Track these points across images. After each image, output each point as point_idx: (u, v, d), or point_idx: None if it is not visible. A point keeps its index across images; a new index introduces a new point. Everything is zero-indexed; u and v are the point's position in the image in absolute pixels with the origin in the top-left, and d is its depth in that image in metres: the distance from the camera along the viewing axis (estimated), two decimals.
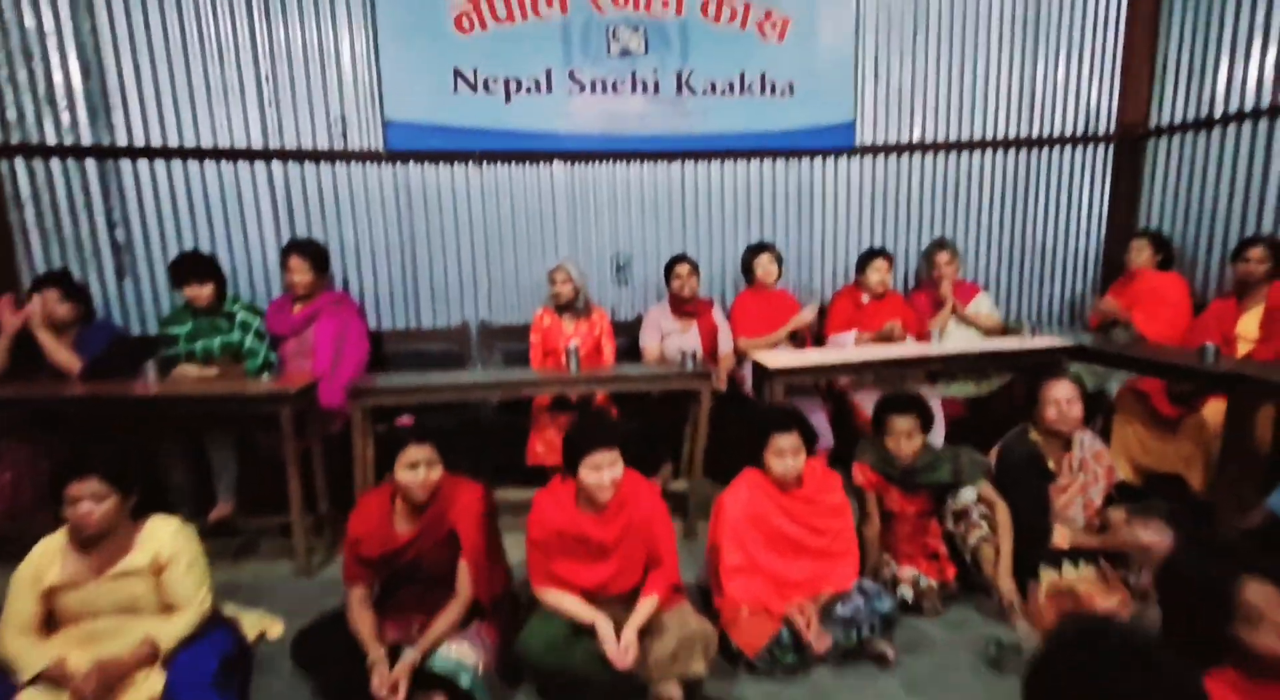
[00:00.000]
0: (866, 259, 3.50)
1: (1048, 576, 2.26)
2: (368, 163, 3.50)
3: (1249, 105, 3.31)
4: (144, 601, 1.89)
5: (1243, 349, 2.99)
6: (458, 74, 3.44)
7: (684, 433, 3.22)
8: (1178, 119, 3.67)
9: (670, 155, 3.68)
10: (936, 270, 3.57)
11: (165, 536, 1.92)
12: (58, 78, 3.24)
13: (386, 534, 2.05)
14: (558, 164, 3.63)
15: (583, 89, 3.53)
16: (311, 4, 3.35)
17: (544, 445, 3.21)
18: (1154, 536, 2.24)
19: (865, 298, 3.50)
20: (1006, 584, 2.25)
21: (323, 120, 3.44)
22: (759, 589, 2.16)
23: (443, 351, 3.64)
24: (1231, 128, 3.40)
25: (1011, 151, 3.89)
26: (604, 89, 3.54)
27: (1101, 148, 3.94)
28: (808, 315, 3.39)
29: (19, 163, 3.25)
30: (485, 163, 3.57)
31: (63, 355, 2.84)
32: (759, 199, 3.80)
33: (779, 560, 2.21)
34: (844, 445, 3.03)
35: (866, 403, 3.21)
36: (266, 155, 3.43)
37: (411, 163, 3.52)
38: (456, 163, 3.55)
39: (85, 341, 2.93)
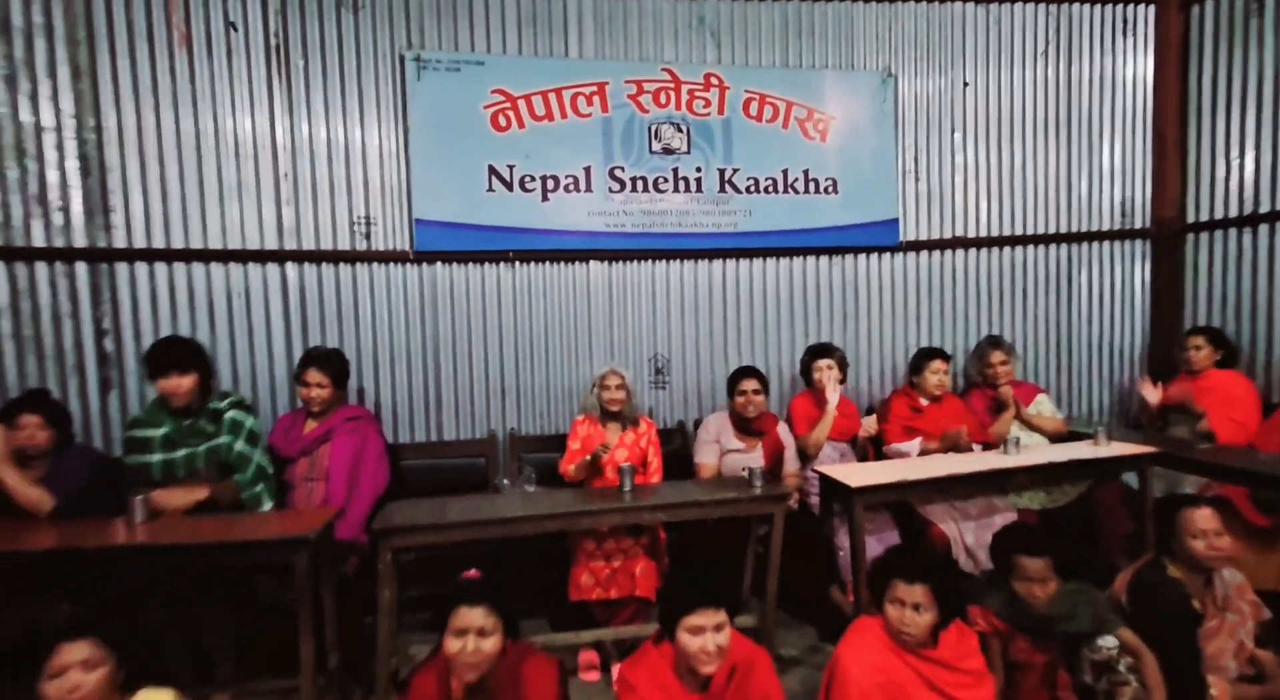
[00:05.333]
0: (923, 359, 3.31)
1: None
2: (392, 264, 3.25)
3: None
4: None
5: None
6: (493, 172, 3.27)
7: (745, 559, 2.88)
8: (1217, 214, 3.67)
9: (712, 253, 3.52)
10: (991, 370, 3.40)
11: None
12: (52, 176, 2.96)
13: None
14: (595, 263, 3.43)
15: (623, 187, 3.39)
16: (339, 100, 3.18)
17: (590, 577, 2.82)
18: None
19: (924, 401, 3.29)
20: None
21: (345, 220, 3.20)
22: None
23: (467, 465, 3.28)
24: (1273, 225, 3.39)
25: (1051, 247, 3.85)
26: (645, 187, 3.41)
27: (1140, 242, 3.93)
28: (869, 428, 3.15)
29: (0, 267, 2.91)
30: (519, 263, 3.35)
31: (32, 493, 2.39)
32: (803, 297, 3.64)
33: None
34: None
35: (938, 516, 2.95)
36: (281, 256, 3.15)
37: (440, 263, 3.28)
38: (488, 263, 3.33)
39: (60, 471, 2.49)
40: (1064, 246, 3.85)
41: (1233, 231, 3.60)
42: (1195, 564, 2.14)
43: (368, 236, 3.23)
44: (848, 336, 3.68)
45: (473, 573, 1.89)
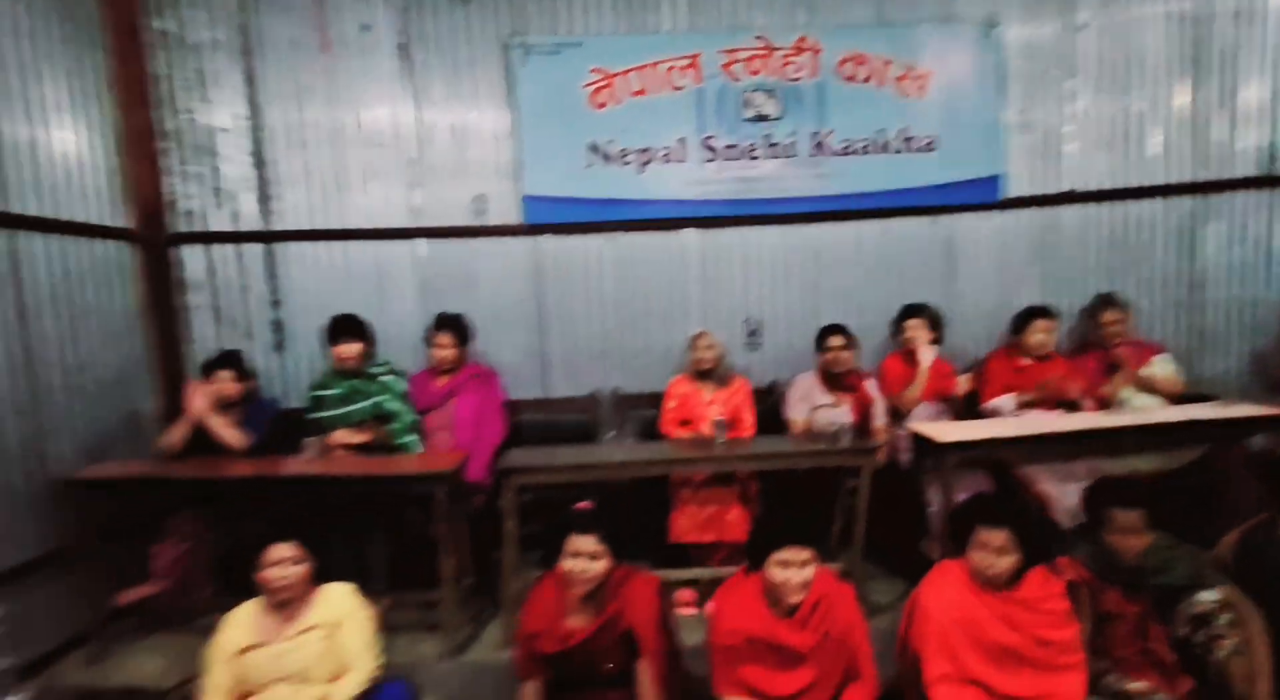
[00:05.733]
0: (1027, 318, 3.25)
1: None
2: (505, 237, 3.58)
3: None
4: (316, 668, 1.95)
5: None
6: (593, 147, 3.50)
7: (833, 511, 3.01)
8: None
9: (805, 217, 3.59)
10: (1102, 330, 3.28)
11: (340, 599, 2.04)
12: (228, 170, 3.50)
13: (561, 630, 1.95)
14: (690, 231, 3.60)
15: (716, 155, 3.52)
16: (456, 87, 3.51)
17: (687, 521, 3.07)
18: None
19: (1026, 360, 3.24)
20: None
21: (464, 198, 3.55)
22: None
23: (574, 421, 3.60)
24: None
25: (1178, 198, 3.58)
26: (738, 154, 3.52)
27: None
28: (925, 358, 3.15)
29: (193, 249, 3.50)
30: (618, 233, 3.58)
31: (230, 434, 2.95)
32: (897, 258, 3.64)
33: (995, 672, 1.95)
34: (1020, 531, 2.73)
35: (1039, 478, 2.92)
36: (411, 233, 3.56)
37: (547, 235, 3.58)
38: (590, 233, 3.58)
39: (249, 417, 3.05)
40: (1193, 198, 3.57)
41: None
42: None
43: (484, 212, 3.57)
44: (944, 297, 3.63)
45: (585, 504, 2.16)
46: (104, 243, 3.13)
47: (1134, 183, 3.58)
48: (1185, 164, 3.57)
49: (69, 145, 2.95)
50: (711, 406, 3.17)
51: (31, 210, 2.72)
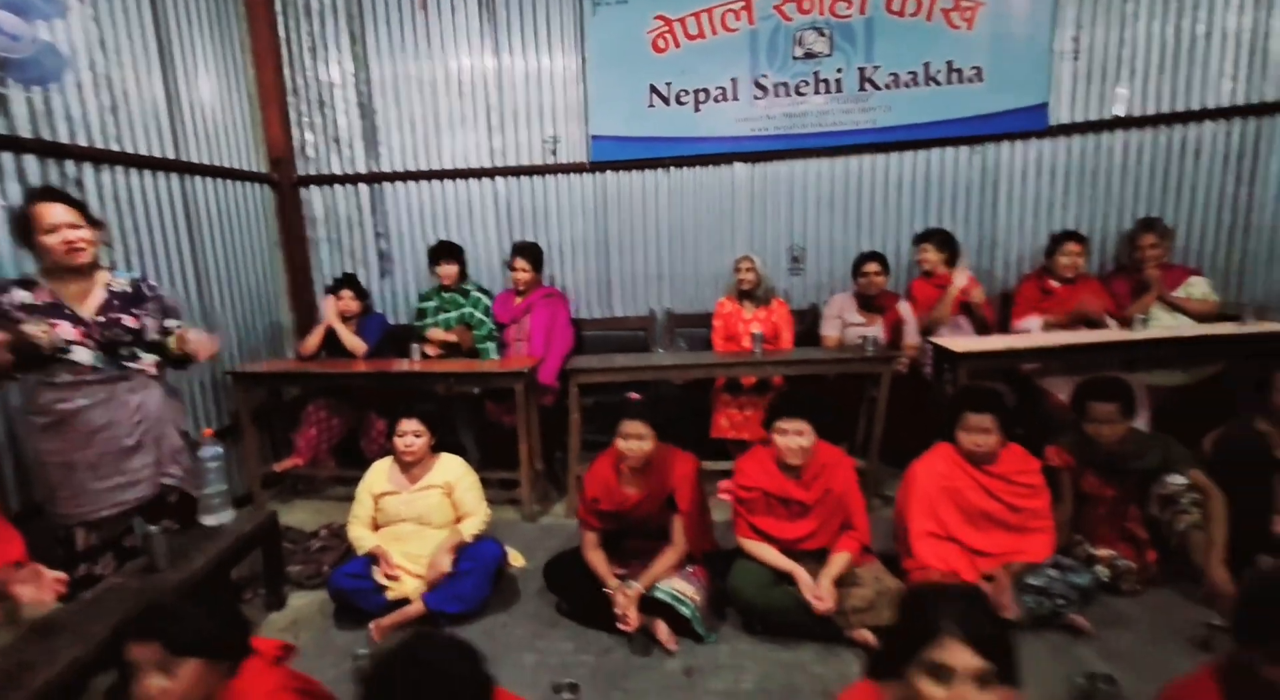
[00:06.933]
0: (1057, 242, 3.41)
1: (1265, 565, 2.18)
2: (573, 174, 4.02)
3: None
4: (435, 515, 2.58)
5: None
6: (653, 90, 3.84)
7: (859, 415, 3.38)
8: None
9: (849, 150, 3.82)
10: (1140, 253, 3.39)
11: (454, 466, 2.65)
12: (341, 121, 4.08)
13: (617, 495, 2.43)
14: (739, 165, 3.92)
15: (766, 93, 3.79)
16: (531, 35, 3.91)
17: (727, 421, 3.53)
18: None
19: (1055, 283, 3.42)
20: (1219, 572, 2.20)
21: (538, 139, 4.00)
22: (949, 554, 2.30)
23: (632, 337, 4.09)
24: None
25: (1234, 121, 3.57)
26: (787, 91, 3.77)
27: None
28: (958, 280, 3.34)
29: (316, 190, 4.14)
30: (672, 167, 3.95)
31: (354, 341, 3.61)
32: (940, 187, 3.82)
33: (972, 531, 2.33)
34: (1033, 432, 3.01)
35: (1058, 388, 3.16)
36: (492, 173, 4.06)
37: (610, 172, 3.99)
38: (649, 169, 3.97)
39: (365, 329, 3.70)
40: (1250, 120, 3.54)
41: None
42: None
43: (555, 152, 4.01)
44: (984, 225, 3.82)
45: (634, 395, 2.64)
46: (250, 185, 3.80)
47: (1186, 107, 3.58)
48: (1240, 87, 3.53)
49: (219, 102, 3.58)
50: (752, 324, 3.56)
51: (194, 158, 3.37)
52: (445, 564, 2.42)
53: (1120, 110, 3.49)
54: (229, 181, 3.62)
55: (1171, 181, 3.67)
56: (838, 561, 2.27)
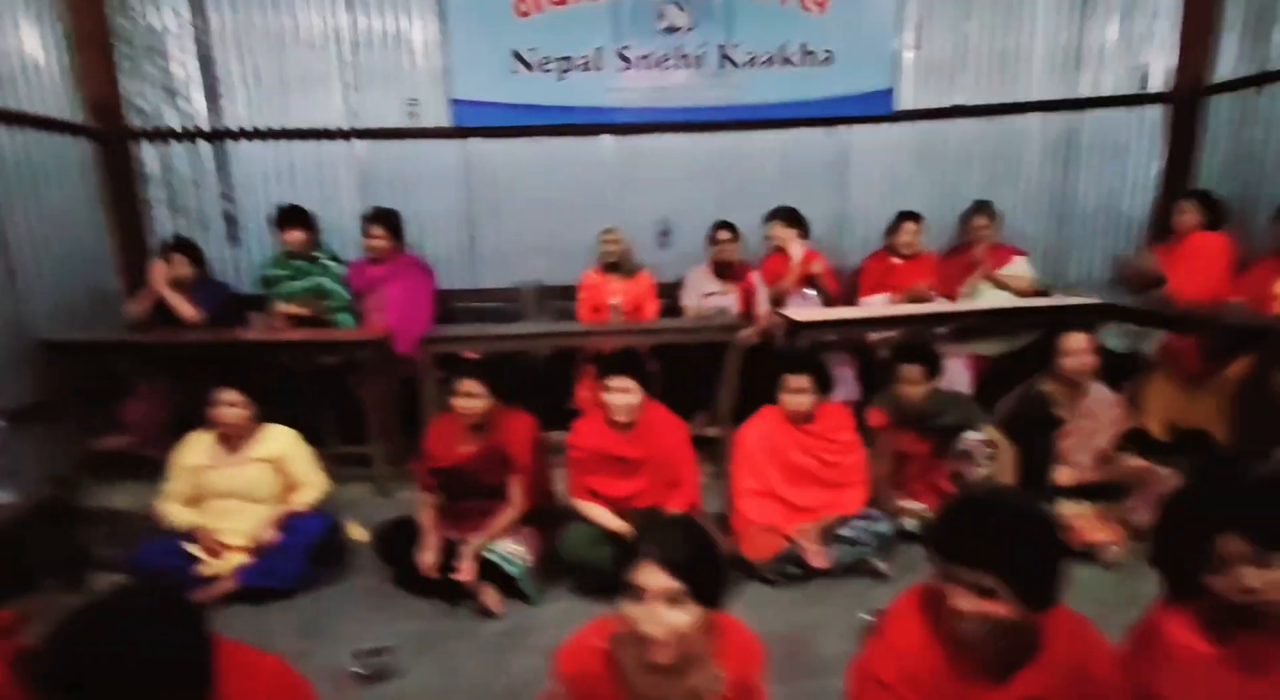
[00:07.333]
0: (897, 222, 3.63)
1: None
2: (437, 139, 3.88)
3: None
4: (259, 489, 2.47)
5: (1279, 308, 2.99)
6: (516, 55, 3.76)
7: (718, 383, 3.48)
8: (1241, 73, 3.58)
9: (713, 126, 3.89)
10: (973, 233, 3.66)
11: (282, 437, 2.54)
12: (178, 71, 3.76)
13: (453, 452, 2.42)
14: (606, 137, 3.91)
15: (630, 65, 3.79)
16: None
17: (589, 392, 3.54)
18: (1148, 467, 2.37)
19: (896, 260, 3.64)
20: None
21: (398, 101, 3.84)
22: (770, 510, 2.43)
23: (500, 309, 4.02)
24: None
25: (1057, 113, 3.90)
26: (651, 64, 3.79)
27: (1155, 107, 3.89)
28: (795, 253, 3.48)
29: (148, 146, 3.80)
30: (540, 136, 3.89)
31: (186, 309, 3.36)
32: (797, 167, 3.97)
33: (791, 488, 2.46)
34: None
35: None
36: (349, 134, 3.86)
37: (475, 138, 3.88)
38: (515, 137, 3.89)
39: (202, 297, 3.45)
40: (1072, 113, 3.89)
41: (1248, 91, 3.52)
42: (1066, 379, 2.52)
43: (416, 116, 3.86)
44: (837, 204, 4.00)
45: (470, 354, 2.60)
46: (63, 136, 3.43)
47: (1014, 99, 3.88)
48: (1058, 83, 3.86)
49: (22, 42, 3.20)
50: (615, 296, 3.58)
51: None
52: (267, 535, 2.31)
53: None
54: (37, 131, 3.26)
55: (1001, 168, 3.97)
56: None
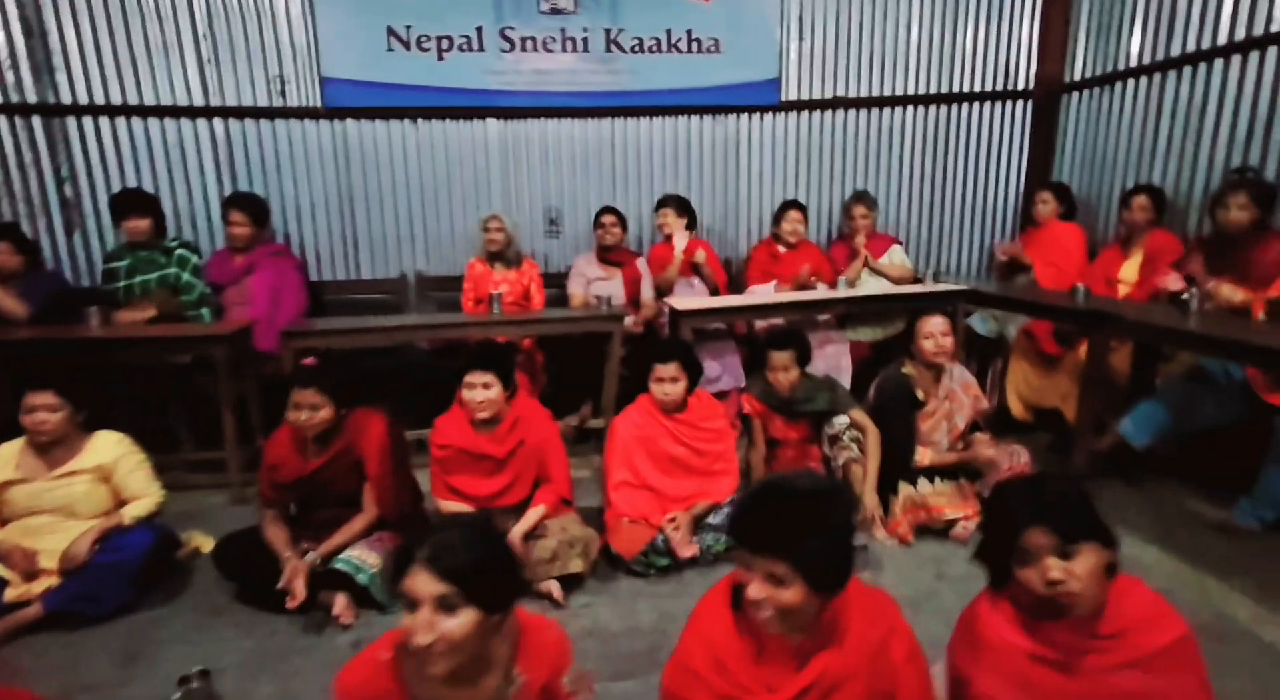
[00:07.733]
0: (781, 211, 3.68)
1: (905, 491, 2.50)
2: (306, 119, 3.64)
3: (1147, 59, 3.47)
4: (83, 504, 2.20)
5: (1123, 292, 3.20)
6: (391, 32, 3.56)
7: (604, 374, 3.42)
8: (1092, 73, 3.81)
9: (600, 112, 3.82)
10: (853, 222, 3.75)
11: (109, 445, 2.26)
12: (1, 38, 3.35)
13: (298, 462, 2.22)
14: (491, 121, 3.77)
15: (514, 47, 3.66)
16: None
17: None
18: (995, 451, 2.47)
19: (781, 248, 3.68)
20: (870, 498, 2.49)
21: (262, 78, 3.56)
22: (642, 502, 2.39)
23: (380, 301, 3.83)
24: (1131, 82, 3.56)
25: (931, 107, 4.04)
26: (535, 47, 3.67)
27: (1020, 103, 4.09)
28: (678, 242, 3.45)
29: None
30: (420, 119, 3.71)
31: (8, 302, 3.00)
32: (686, 154, 3.95)
33: (663, 478, 2.43)
34: None
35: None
36: (208, 112, 3.56)
37: (349, 120, 3.66)
38: (392, 119, 3.69)
39: (31, 289, 3.09)
40: (944, 107, 4.04)
41: (1099, 89, 3.76)
42: (924, 361, 2.60)
43: (283, 94, 3.60)
44: (726, 192, 4.02)
45: (309, 360, 2.43)
46: None
47: (895, 92, 4.00)
48: (934, 78, 4.01)
49: None
50: (501, 285, 3.46)
51: None
52: (80, 554, 2.08)
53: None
54: None
55: (882, 159, 4.09)
56: (530, 516, 2.26)
